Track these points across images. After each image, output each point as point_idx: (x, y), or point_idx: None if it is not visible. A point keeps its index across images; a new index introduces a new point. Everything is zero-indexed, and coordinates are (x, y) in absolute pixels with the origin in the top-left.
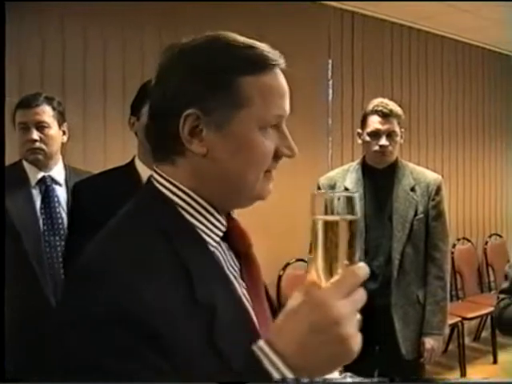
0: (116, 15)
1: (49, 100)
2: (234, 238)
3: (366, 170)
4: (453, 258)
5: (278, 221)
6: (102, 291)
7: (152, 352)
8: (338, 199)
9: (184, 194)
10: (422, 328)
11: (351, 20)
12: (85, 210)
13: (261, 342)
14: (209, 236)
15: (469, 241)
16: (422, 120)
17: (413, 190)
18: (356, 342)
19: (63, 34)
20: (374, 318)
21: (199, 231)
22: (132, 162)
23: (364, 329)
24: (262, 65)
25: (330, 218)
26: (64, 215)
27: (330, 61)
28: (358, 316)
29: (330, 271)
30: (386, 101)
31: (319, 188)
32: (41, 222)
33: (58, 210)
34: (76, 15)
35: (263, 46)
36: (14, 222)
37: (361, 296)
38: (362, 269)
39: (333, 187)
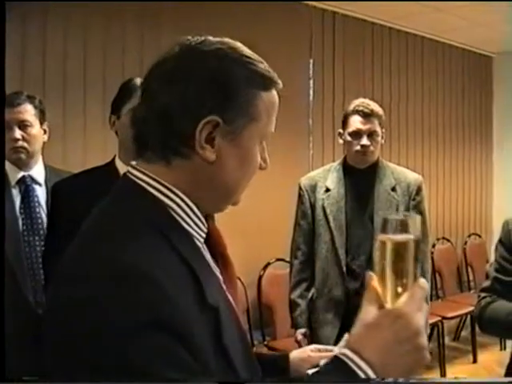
0: (97, 13)
1: (30, 99)
2: (212, 239)
3: (347, 170)
4: (432, 258)
5: (257, 221)
6: (142, 294)
7: (188, 355)
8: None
9: (175, 196)
10: None
11: (332, 20)
12: (64, 210)
13: (347, 352)
14: (196, 238)
15: (448, 240)
16: (402, 120)
17: (394, 189)
18: (428, 350)
19: (44, 32)
20: (356, 316)
21: (190, 233)
22: (112, 161)
23: (347, 327)
24: (271, 82)
25: (399, 238)
26: (44, 215)
27: (311, 60)
28: None
29: (400, 286)
30: (367, 101)
31: (300, 188)
32: (20, 221)
33: (37, 209)
34: (57, 13)
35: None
36: None
37: (427, 308)
38: (425, 283)
39: (314, 187)
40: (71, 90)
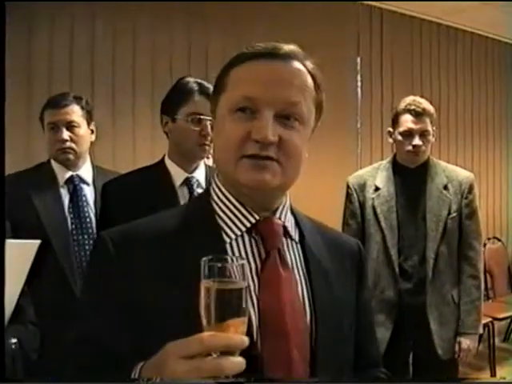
0: (146, 12)
1: (77, 100)
2: (262, 236)
3: (397, 168)
4: (484, 258)
5: None
6: None
7: None
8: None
9: (219, 191)
10: (458, 328)
11: (380, 17)
12: (116, 209)
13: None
14: (226, 232)
15: (499, 240)
16: (452, 117)
17: (446, 188)
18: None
19: (93, 33)
20: (410, 318)
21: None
22: (162, 160)
23: (399, 329)
24: (242, 58)
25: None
26: (92, 214)
27: (359, 59)
28: None
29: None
30: (418, 99)
31: (349, 187)
32: (69, 220)
33: (86, 208)
34: (105, 14)
35: (258, 44)
36: (42, 221)
37: (210, 365)
38: (217, 338)
39: (363, 186)
40: (120, 90)
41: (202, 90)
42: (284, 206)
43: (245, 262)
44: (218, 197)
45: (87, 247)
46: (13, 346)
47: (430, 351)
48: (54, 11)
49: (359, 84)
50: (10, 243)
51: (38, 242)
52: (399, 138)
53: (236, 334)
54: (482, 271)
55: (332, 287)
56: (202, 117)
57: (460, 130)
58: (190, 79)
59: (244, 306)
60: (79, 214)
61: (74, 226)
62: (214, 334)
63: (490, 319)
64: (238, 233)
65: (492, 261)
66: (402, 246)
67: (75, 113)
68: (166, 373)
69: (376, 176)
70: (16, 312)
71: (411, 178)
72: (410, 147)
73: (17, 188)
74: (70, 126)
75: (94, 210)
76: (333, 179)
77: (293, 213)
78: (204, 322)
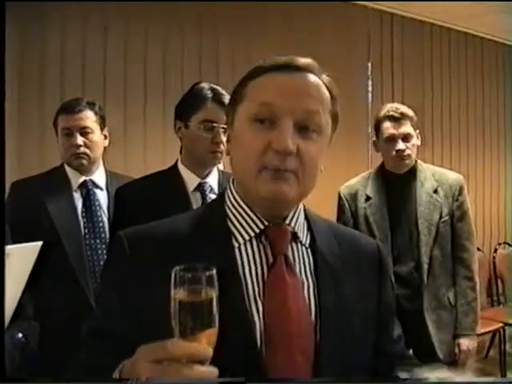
0: (157, 17)
1: (91, 105)
2: (270, 241)
3: (387, 176)
4: (494, 263)
5: None
6: None
7: None
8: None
9: (232, 197)
10: (455, 330)
11: (390, 22)
12: (128, 213)
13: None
14: (236, 236)
15: (510, 245)
16: (463, 121)
17: (436, 192)
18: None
19: (105, 36)
20: (408, 323)
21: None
22: (175, 165)
23: None
24: (260, 70)
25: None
26: (105, 219)
27: (370, 63)
28: None
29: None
30: (395, 104)
31: (340, 198)
32: (82, 225)
33: (99, 213)
34: (117, 19)
35: (275, 57)
36: (55, 225)
37: (179, 372)
38: (180, 347)
39: (354, 196)
40: (131, 95)
41: (216, 97)
42: (295, 212)
43: (214, 271)
44: (231, 202)
45: (100, 251)
46: (21, 341)
47: (431, 355)
48: (65, 13)
49: (370, 89)
50: (12, 248)
51: (40, 244)
52: (383, 145)
53: (203, 344)
54: (476, 272)
55: (342, 290)
56: (214, 124)
57: (471, 133)
58: (205, 85)
59: (215, 315)
60: (92, 219)
61: (86, 231)
62: (177, 341)
63: (501, 325)
64: (247, 237)
65: (503, 266)
66: (397, 254)
67: (89, 118)
68: (135, 374)
69: (367, 185)
70: (18, 310)
71: (401, 184)
72: (394, 152)
73: (30, 192)
74: (84, 131)
75: (107, 215)
76: (343, 184)
77: (306, 217)
78: (176, 331)
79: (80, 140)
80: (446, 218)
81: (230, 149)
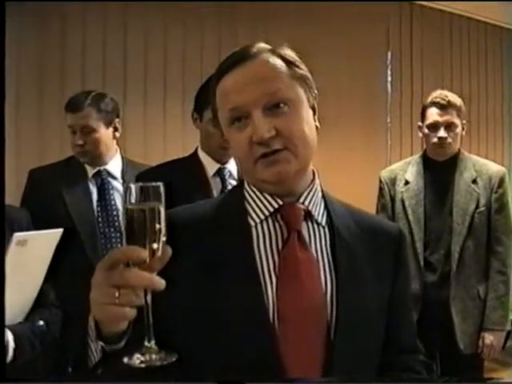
0: (177, 8)
1: (95, 101)
2: (284, 219)
3: (427, 162)
4: None
5: None
6: None
7: None
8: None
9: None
10: (482, 323)
11: (410, 11)
12: None
13: None
14: (252, 216)
15: None
16: (482, 111)
17: (474, 182)
18: (100, 309)
19: (125, 31)
20: (433, 311)
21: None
22: (195, 152)
23: (424, 322)
24: (219, 75)
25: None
26: (120, 207)
27: (389, 53)
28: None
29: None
30: (444, 92)
31: (380, 181)
32: (96, 213)
33: (113, 202)
34: (136, 12)
35: (228, 55)
36: (71, 213)
37: (120, 274)
38: (129, 250)
39: (394, 180)
40: (151, 85)
41: None
42: (310, 191)
43: (160, 183)
44: (249, 186)
45: (114, 240)
46: (42, 328)
47: (453, 346)
48: (85, 7)
49: (389, 79)
50: (32, 234)
51: (61, 230)
52: (426, 131)
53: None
54: (510, 267)
55: (360, 271)
56: None
57: (490, 123)
58: None
59: (157, 225)
60: (106, 207)
61: (100, 219)
62: (120, 247)
63: None
64: (262, 217)
65: None
66: (429, 240)
67: (90, 117)
68: (92, 286)
69: (407, 170)
70: (39, 297)
71: (440, 171)
72: (435, 139)
73: (48, 180)
74: (85, 130)
75: (122, 203)
76: (362, 174)
77: (324, 197)
78: (124, 239)
79: (81, 139)
80: (483, 209)
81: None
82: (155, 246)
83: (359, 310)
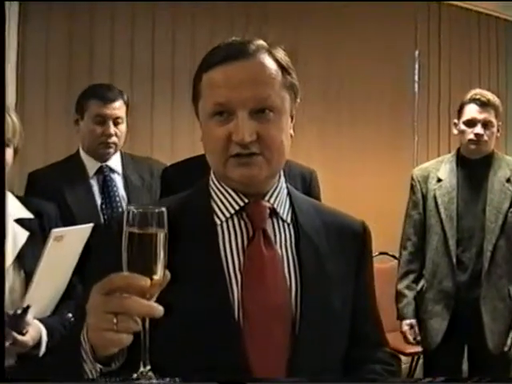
0: (185, 7)
1: (122, 94)
2: (250, 217)
3: (461, 160)
4: None
5: (363, 214)
6: None
7: None
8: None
9: (214, 179)
10: None
11: (438, 10)
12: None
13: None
14: (217, 214)
15: None
16: (510, 113)
17: (509, 181)
18: (98, 335)
19: (132, 28)
20: (464, 309)
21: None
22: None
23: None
24: (211, 63)
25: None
26: (123, 203)
27: (417, 51)
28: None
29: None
30: (484, 91)
31: (412, 179)
32: (100, 211)
33: (117, 198)
34: (145, 8)
35: (224, 43)
36: (73, 213)
37: (120, 302)
38: (131, 278)
39: (426, 178)
40: (158, 81)
41: None
42: (276, 189)
43: (164, 209)
44: (214, 183)
45: None
46: (70, 320)
47: (482, 345)
48: (93, 6)
49: (416, 78)
50: (67, 230)
51: (91, 225)
52: (462, 127)
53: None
54: None
55: (324, 266)
56: None
57: None
58: None
59: (160, 252)
60: (111, 204)
61: (106, 217)
62: (121, 273)
63: None
64: (228, 215)
65: None
66: (461, 238)
67: (121, 108)
68: (88, 310)
69: (439, 168)
70: (68, 290)
71: (474, 169)
72: (471, 135)
73: (47, 181)
74: (116, 121)
75: (125, 199)
76: (389, 175)
77: (289, 194)
78: (124, 264)
79: (113, 129)
80: None
81: (202, 140)
82: (156, 274)
83: (324, 307)
